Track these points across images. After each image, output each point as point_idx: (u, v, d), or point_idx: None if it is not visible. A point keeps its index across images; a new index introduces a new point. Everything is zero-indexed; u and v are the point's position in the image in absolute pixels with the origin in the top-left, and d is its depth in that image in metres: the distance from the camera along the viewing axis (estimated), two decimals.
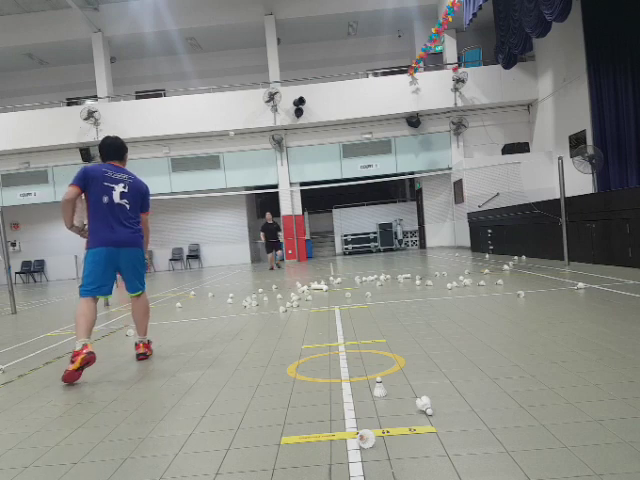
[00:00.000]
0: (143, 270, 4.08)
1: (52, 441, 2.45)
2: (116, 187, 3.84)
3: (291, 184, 17.91)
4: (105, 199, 3.79)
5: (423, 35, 17.37)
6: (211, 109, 17.16)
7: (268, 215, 14.52)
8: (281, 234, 14.81)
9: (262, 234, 14.32)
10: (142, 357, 4.02)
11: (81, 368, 3.42)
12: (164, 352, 4.27)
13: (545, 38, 12.58)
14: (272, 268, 14.26)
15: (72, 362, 3.40)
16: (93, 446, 2.34)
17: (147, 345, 4.13)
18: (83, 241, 3.96)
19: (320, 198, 20.82)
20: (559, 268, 8.13)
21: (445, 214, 18.26)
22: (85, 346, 3.47)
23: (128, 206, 3.89)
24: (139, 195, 4.01)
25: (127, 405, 2.92)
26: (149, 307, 4.21)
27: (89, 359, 3.43)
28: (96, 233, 3.80)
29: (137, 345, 4.08)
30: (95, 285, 3.76)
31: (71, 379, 3.42)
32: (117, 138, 4.10)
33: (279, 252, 14.79)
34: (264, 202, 21.11)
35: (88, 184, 3.78)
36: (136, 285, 4.05)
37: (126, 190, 3.89)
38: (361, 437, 2.07)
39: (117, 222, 3.82)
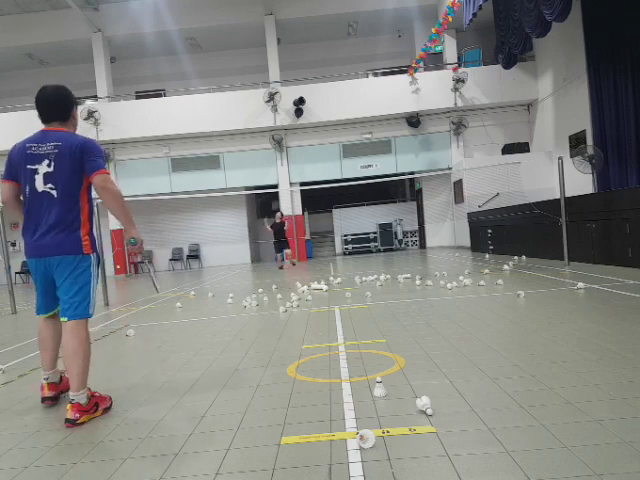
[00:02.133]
0: (78, 287, 2.79)
1: (52, 441, 2.45)
2: (39, 168, 2.74)
3: (291, 184, 17.90)
4: (27, 189, 2.77)
5: (423, 35, 17.36)
6: (211, 109, 17.16)
7: (278, 215, 14.44)
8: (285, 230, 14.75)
9: (268, 226, 14.25)
10: (69, 424, 2.63)
11: (51, 400, 3.00)
12: (164, 352, 4.27)
13: (545, 38, 12.58)
14: (281, 267, 14.15)
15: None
16: (93, 446, 2.34)
17: (80, 407, 2.67)
18: None
19: (320, 198, 20.81)
20: (559, 268, 8.13)
21: (445, 214, 18.26)
22: (43, 387, 2.99)
23: (55, 192, 2.74)
24: (73, 164, 2.75)
25: (127, 405, 2.92)
26: (80, 345, 2.75)
27: (49, 403, 2.98)
28: (24, 239, 2.84)
29: (68, 404, 2.71)
30: (39, 300, 2.94)
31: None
32: (57, 87, 2.89)
33: (288, 251, 14.65)
34: (264, 202, 21.11)
35: (16, 172, 2.82)
36: (64, 306, 2.78)
37: (51, 168, 2.73)
38: (361, 437, 2.07)
39: (40, 221, 2.76)
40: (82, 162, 2.77)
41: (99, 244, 12.90)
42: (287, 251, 14.56)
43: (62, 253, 2.76)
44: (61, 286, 2.80)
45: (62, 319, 2.80)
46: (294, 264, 14.64)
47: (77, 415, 2.65)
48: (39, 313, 2.97)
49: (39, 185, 2.75)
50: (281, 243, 14.27)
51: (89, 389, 2.78)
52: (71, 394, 2.70)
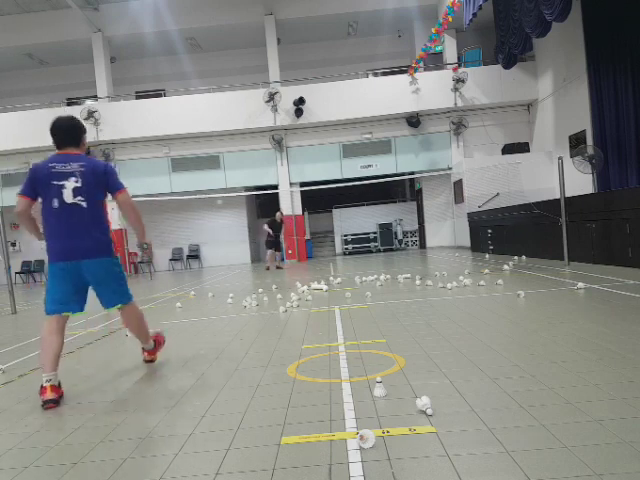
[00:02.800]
0: (118, 280, 3.39)
1: (52, 441, 2.45)
2: (67, 183, 3.15)
3: (291, 184, 17.90)
4: (55, 203, 3.14)
5: (423, 35, 17.36)
6: (211, 109, 17.16)
7: (278, 214, 14.32)
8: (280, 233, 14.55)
9: (266, 226, 14.05)
10: (148, 361, 3.90)
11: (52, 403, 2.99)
12: (164, 352, 4.27)
13: (545, 38, 12.58)
14: (268, 268, 13.94)
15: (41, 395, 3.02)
16: (93, 446, 2.34)
17: (151, 351, 3.86)
18: None
19: (320, 198, 20.81)
20: (559, 268, 8.13)
21: (445, 214, 18.26)
22: (44, 389, 3.00)
23: (85, 204, 3.18)
24: (97, 182, 3.24)
25: (127, 405, 2.92)
26: (140, 316, 3.62)
27: (51, 407, 2.95)
28: (52, 245, 3.19)
29: (142, 350, 3.90)
30: (57, 301, 3.18)
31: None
32: (70, 118, 3.38)
33: (278, 253, 14.52)
34: (264, 202, 21.11)
35: (37, 188, 3.20)
36: (110, 301, 3.38)
37: (79, 184, 3.16)
38: (361, 437, 2.07)
39: (72, 229, 3.16)
40: (105, 181, 3.30)
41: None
42: (278, 253, 14.36)
43: (98, 256, 3.24)
44: (102, 285, 3.31)
45: (115, 308, 3.43)
46: (280, 267, 14.19)
47: (151, 356, 3.86)
48: (56, 312, 3.19)
49: (68, 197, 3.16)
50: (274, 243, 14.10)
51: (149, 336, 3.78)
52: (143, 346, 3.80)
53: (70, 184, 3.16)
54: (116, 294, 3.39)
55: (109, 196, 3.39)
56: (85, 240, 3.18)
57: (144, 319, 3.69)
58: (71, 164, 3.22)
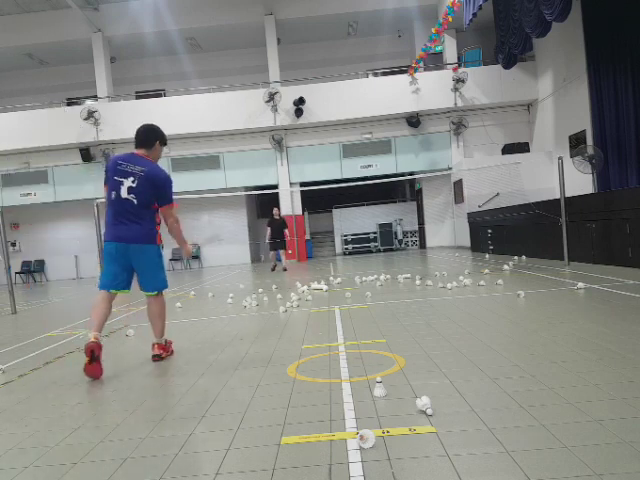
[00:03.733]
0: (156, 269, 3.85)
1: (52, 441, 2.45)
2: (125, 181, 3.65)
3: (291, 184, 17.90)
4: (113, 195, 3.68)
5: (423, 35, 17.36)
6: (211, 109, 17.15)
7: (275, 210, 13.71)
8: (287, 232, 13.73)
9: (269, 229, 13.41)
10: (156, 359, 3.88)
11: (93, 360, 3.41)
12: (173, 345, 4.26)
13: (545, 38, 12.58)
14: (274, 268, 13.46)
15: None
16: (93, 446, 2.34)
17: (162, 346, 3.95)
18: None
19: (320, 198, 20.80)
20: (559, 268, 8.13)
21: (445, 214, 18.26)
22: (93, 337, 3.52)
23: (135, 201, 3.67)
24: (152, 188, 3.70)
25: (127, 405, 2.92)
26: (163, 309, 3.98)
27: (92, 347, 3.41)
28: (107, 227, 3.76)
29: (152, 345, 3.96)
30: (107, 278, 3.73)
31: (91, 374, 3.45)
32: (150, 124, 3.92)
33: (281, 251, 13.72)
34: (263, 202, 21.10)
35: (107, 178, 3.75)
36: (148, 285, 3.85)
37: (134, 185, 3.65)
38: (361, 437, 2.07)
39: (124, 217, 3.68)
40: (158, 192, 3.73)
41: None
42: (281, 252, 13.62)
43: (142, 242, 3.71)
44: (143, 269, 3.78)
45: (149, 293, 3.87)
46: (285, 269, 13.48)
47: (160, 351, 3.90)
48: (107, 288, 3.73)
49: (123, 193, 3.66)
50: (277, 243, 13.44)
51: (165, 337, 3.99)
52: (155, 340, 3.92)
53: (127, 182, 3.64)
54: (153, 280, 3.83)
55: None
56: (133, 228, 3.68)
57: (165, 312, 4.01)
58: (135, 166, 3.68)
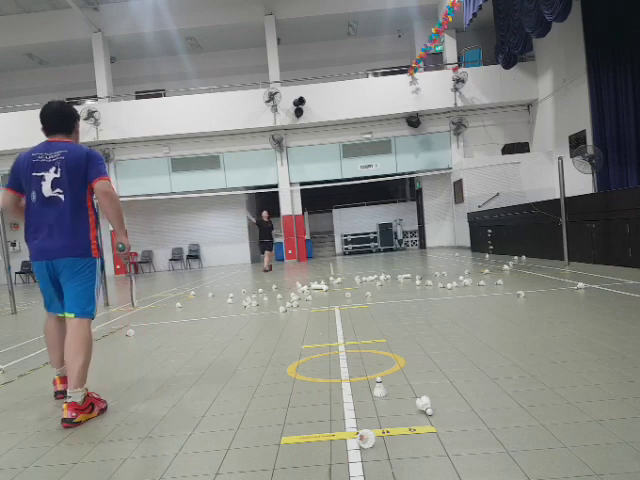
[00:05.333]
0: (82, 287, 2.88)
1: (52, 441, 2.45)
2: (46, 175, 2.85)
3: (291, 184, 17.91)
4: (33, 197, 2.87)
5: (423, 35, 17.37)
6: (211, 109, 17.16)
7: (264, 213, 13.82)
8: (275, 232, 13.96)
9: (254, 222, 13.82)
10: (66, 424, 2.64)
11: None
12: (164, 352, 4.27)
13: (545, 38, 12.58)
14: (265, 270, 13.27)
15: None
16: (93, 446, 2.34)
17: (76, 406, 2.67)
18: None
19: (320, 198, 20.82)
20: (559, 268, 8.13)
21: (445, 214, 18.26)
22: (54, 381, 3.05)
23: (63, 196, 2.84)
24: (78, 170, 2.87)
25: (127, 405, 2.92)
26: (83, 344, 2.80)
27: (59, 398, 2.97)
28: (30, 243, 2.91)
29: (64, 404, 2.72)
30: (47, 301, 3.03)
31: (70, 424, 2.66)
32: (60, 102, 3.07)
33: (268, 253, 13.67)
34: (262, 202, 21.11)
35: (20, 181, 2.94)
36: (70, 303, 2.86)
37: (58, 175, 2.84)
38: (361, 437, 2.07)
39: (48, 225, 2.84)
40: (86, 169, 2.89)
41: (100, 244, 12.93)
42: (268, 253, 13.61)
43: (72, 255, 2.85)
44: (67, 286, 2.88)
45: (68, 315, 2.85)
46: (266, 270, 13.27)
47: (73, 414, 2.66)
48: (49, 310, 3.06)
49: (46, 191, 2.85)
50: (265, 244, 13.62)
51: (86, 389, 2.78)
52: (69, 391, 2.71)
53: (50, 175, 2.86)
54: (74, 300, 2.86)
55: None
56: (62, 238, 2.84)
57: (89, 354, 2.84)
58: (53, 152, 2.90)
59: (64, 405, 2.69)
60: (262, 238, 13.70)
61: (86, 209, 2.92)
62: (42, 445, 2.41)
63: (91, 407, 2.77)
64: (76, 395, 2.69)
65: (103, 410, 2.84)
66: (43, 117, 3.01)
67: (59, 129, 3.00)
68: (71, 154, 2.89)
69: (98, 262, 2.98)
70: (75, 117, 3.10)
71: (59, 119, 3.02)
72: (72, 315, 2.85)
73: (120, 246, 3.03)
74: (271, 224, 13.90)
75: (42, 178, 2.87)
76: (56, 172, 2.86)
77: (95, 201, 3.02)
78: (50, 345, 3.08)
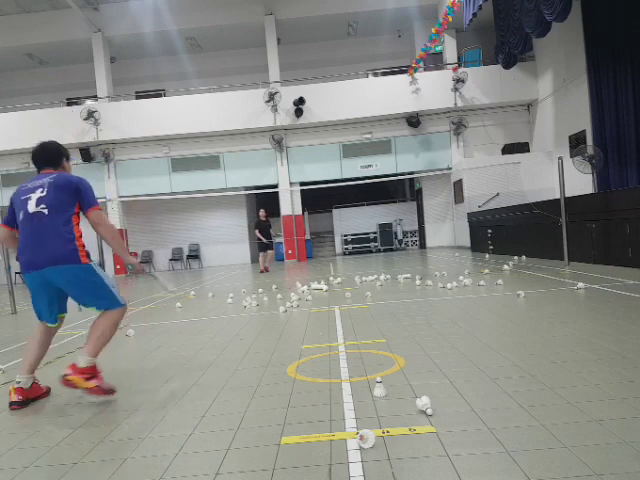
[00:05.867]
0: (94, 289, 3.07)
1: (52, 441, 2.45)
2: (33, 195, 3.06)
3: (291, 184, 17.91)
4: (21, 215, 3.07)
5: (423, 35, 17.36)
6: (211, 109, 17.16)
7: (262, 212, 13.56)
8: (272, 232, 13.70)
9: (257, 231, 13.30)
10: (66, 381, 2.94)
11: (22, 403, 3.00)
12: (164, 352, 4.27)
13: (545, 38, 12.58)
14: (262, 271, 13.10)
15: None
16: (93, 446, 2.34)
17: (80, 369, 2.96)
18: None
19: (320, 198, 20.82)
20: (559, 268, 8.13)
21: (445, 214, 18.26)
22: (10, 392, 3.07)
23: (46, 211, 3.01)
24: (65, 191, 3.06)
25: (127, 405, 2.92)
26: (111, 328, 3.12)
27: (13, 408, 2.99)
28: (20, 257, 3.09)
29: (70, 366, 3.01)
30: (38, 311, 3.17)
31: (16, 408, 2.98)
32: (48, 143, 3.33)
33: (270, 252, 13.54)
34: (261, 202, 21.11)
35: (14, 216, 3.17)
36: (91, 303, 3.12)
37: (44, 193, 3.04)
38: (361, 437, 2.07)
39: (35, 238, 3.01)
40: (77, 195, 3.10)
41: (99, 244, 12.88)
42: (262, 254, 13.37)
43: (59, 264, 2.98)
44: (72, 292, 3.10)
45: (93, 309, 3.12)
46: (263, 270, 13.16)
47: (70, 371, 2.93)
48: (43, 320, 3.18)
49: (31, 207, 3.04)
50: (266, 245, 13.33)
51: (94, 363, 3.02)
52: (79, 356, 3.01)
53: (35, 195, 3.07)
54: (95, 300, 3.10)
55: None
56: (47, 248, 2.99)
57: (110, 336, 3.15)
58: (43, 179, 3.13)
59: (73, 364, 2.98)
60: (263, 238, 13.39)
61: (71, 222, 3.08)
62: (42, 445, 2.41)
63: (89, 376, 2.96)
64: (82, 360, 2.98)
65: (103, 390, 3.00)
66: (33, 157, 3.28)
67: (48, 165, 3.25)
68: (61, 177, 3.14)
69: (93, 265, 3.11)
70: (63, 155, 3.33)
71: (47, 157, 3.27)
72: (96, 310, 3.13)
73: (130, 267, 3.28)
74: (269, 223, 13.65)
75: (29, 199, 3.07)
76: (42, 192, 3.06)
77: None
78: (30, 348, 3.15)
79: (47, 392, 3.27)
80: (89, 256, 3.11)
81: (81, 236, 3.12)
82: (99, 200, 3.29)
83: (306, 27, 18.19)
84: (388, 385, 2.80)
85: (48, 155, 3.28)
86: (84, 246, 3.10)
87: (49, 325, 3.18)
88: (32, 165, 3.32)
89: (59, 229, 3.01)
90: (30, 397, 3.11)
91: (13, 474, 2.11)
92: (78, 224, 3.14)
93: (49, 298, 3.11)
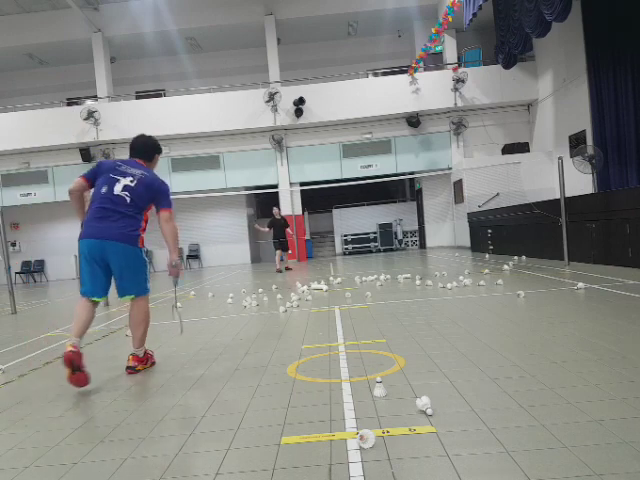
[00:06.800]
0: (136, 271, 3.52)
1: (52, 441, 2.45)
2: (122, 179, 3.49)
3: (291, 184, 17.91)
4: (104, 189, 3.47)
5: (423, 35, 17.36)
6: (211, 109, 17.16)
7: (275, 210, 13.35)
8: (289, 230, 13.39)
9: (271, 230, 13.05)
10: (130, 371, 3.60)
11: (75, 370, 3.15)
12: (164, 352, 4.27)
13: (545, 38, 12.57)
14: (279, 270, 12.77)
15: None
16: (93, 446, 2.34)
17: (138, 358, 3.64)
18: None
19: (320, 198, 20.82)
20: (559, 268, 8.13)
21: (445, 214, 18.26)
22: (70, 346, 3.24)
23: (128, 199, 3.46)
24: (149, 191, 3.53)
25: (127, 405, 2.92)
26: (145, 316, 3.65)
27: (70, 357, 3.13)
28: (86, 224, 3.47)
29: (128, 357, 3.67)
30: (86, 283, 3.45)
31: (76, 383, 3.19)
32: (148, 137, 3.83)
33: (279, 252, 13.25)
34: (263, 202, 21.12)
35: (97, 176, 3.57)
36: (125, 287, 3.52)
37: (133, 184, 3.49)
38: (361, 437, 2.07)
39: (108, 213, 3.41)
40: (155, 196, 3.57)
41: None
42: (278, 252, 13.12)
43: (121, 240, 3.40)
44: (123, 272, 3.47)
45: (125, 298, 3.56)
46: (289, 268, 13.28)
47: (135, 363, 3.63)
48: (89, 296, 3.45)
49: (117, 189, 3.47)
50: (281, 243, 13.07)
51: (145, 347, 3.71)
52: (133, 350, 3.65)
53: (125, 181, 3.49)
54: (131, 283, 3.51)
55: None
56: (114, 226, 3.39)
57: (148, 322, 3.70)
58: (136, 169, 3.57)
59: (130, 357, 3.63)
60: (276, 237, 13.07)
61: (141, 214, 3.55)
62: (42, 445, 2.41)
63: (146, 360, 3.71)
64: (139, 352, 3.65)
65: (153, 363, 3.79)
66: (132, 145, 3.77)
67: (141, 156, 3.73)
68: (149, 177, 3.59)
69: (143, 251, 3.58)
70: (157, 151, 3.84)
71: (144, 149, 3.76)
72: (132, 296, 3.56)
73: (174, 263, 3.60)
74: (284, 220, 13.35)
75: (117, 180, 3.49)
76: (132, 182, 3.50)
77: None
78: (78, 321, 3.39)
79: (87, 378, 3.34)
80: (143, 242, 3.58)
81: (145, 228, 3.61)
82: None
83: (306, 27, 18.19)
84: (388, 385, 2.80)
85: (145, 149, 3.76)
86: (144, 234, 3.58)
87: (90, 299, 3.44)
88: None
89: (133, 216, 3.47)
90: (78, 359, 3.22)
91: (13, 474, 2.11)
92: (147, 218, 3.62)
93: (99, 272, 3.43)
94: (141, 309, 3.61)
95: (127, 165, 3.60)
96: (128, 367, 3.61)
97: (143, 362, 3.67)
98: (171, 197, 3.68)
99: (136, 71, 19.84)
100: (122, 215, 3.43)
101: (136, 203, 3.49)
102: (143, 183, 3.52)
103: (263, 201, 21.22)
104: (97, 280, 3.44)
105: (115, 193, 3.45)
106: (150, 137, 3.84)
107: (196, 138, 17.84)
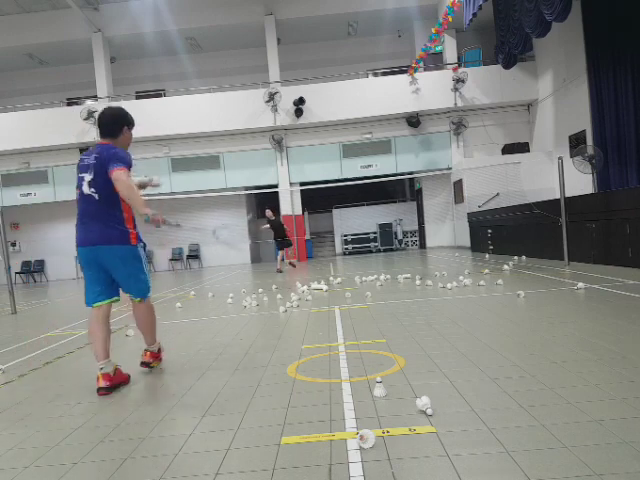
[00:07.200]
0: (133, 272, 3.35)
1: (52, 441, 2.45)
2: (86, 176, 3.23)
3: (291, 184, 17.91)
4: (77, 193, 3.32)
5: (423, 35, 17.36)
6: (211, 109, 17.15)
7: (268, 212, 13.16)
8: (286, 230, 13.35)
9: (268, 225, 13.09)
10: (144, 366, 3.67)
11: (109, 389, 3.18)
12: (164, 352, 4.26)
13: (545, 38, 12.57)
14: (279, 270, 12.77)
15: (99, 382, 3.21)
16: (93, 446, 2.34)
17: (154, 354, 3.68)
18: None
19: (320, 198, 20.81)
20: (559, 268, 8.13)
21: (445, 214, 18.26)
22: (97, 377, 3.18)
23: (97, 196, 3.21)
24: (105, 171, 3.17)
25: (127, 405, 2.92)
26: (150, 316, 3.60)
27: (101, 394, 3.13)
28: (76, 230, 3.37)
29: (144, 352, 3.70)
30: (89, 290, 3.35)
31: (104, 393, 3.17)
32: (109, 108, 3.44)
33: (287, 251, 13.29)
34: (263, 202, 21.10)
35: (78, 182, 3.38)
36: (125, 288, 3.43)
37: (92, 176, 3.21)
38: (361, 437, 2.07)
39: (88, 217, 3.27)
40: (111, 159, 3.15)
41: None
42: (288, 251, 13.23)
43: (111, 243, 3.24)
44: (119, 274, 3.33)
45: (134, 299, 3.47)
46: (294, 265, 13.28)
47: (151, 360, 3.65)
48: (91, 303, 3.33)
49: (86, 189, 3.25)
50: (283, 242, 13.09)
51: (158, 343, 3.74)
52: (146, 347, 3.67)
53: (88, 177, 3.23)
54: (130, 284, 3.39)
55: None
56: (98, 227, 3.24)
57: (155, 320, 3.68)
58: (91, 156, 3.25)
59: (146, 352, 3.65)
60: (276, 237, 13.10)
61: (119, 204, 3.26)
62: (42, 445, 2.41)
63: (160, 356, 3.76)
64: (153, 347, 3.68)
65: (161, 359, 3.79)
66: (99, 122, 3.41)
67: (105, 134, 3.37)
68: (101, 156, 3.20)
69: (139, 248, 3.39)
70: (123, 122, 3.38)
71: (105, 125, 3.37)
72: (137, 300, 3.47)
73: (146, 218, 3.08)
74: (280, 221, 13.38)
75: (83, 179, 3.26)
76: (90, 174, 3.21)
77: None
78: (93, 338, 3.31)
79: (128, 379, 3.41)
80: (139, 237, 3.39)
81: (131, 217, 3.34)
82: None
83: (306, 27, 18.18)
84: (388, 385, 2.80)
85: (108, 123, 3.36)
86: (134, 227, 3.35)
87: (94, 306, 3.32)
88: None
89: (108, 212, 3.23)
90: (116, 383, 3.25)
91: (13, 474, 2.11)
92: (126, 208, 3.29)
93: (101, 274, 3.31)
94: (145, 311, 3.55)
95: (87, 155, 3.30)
96: (143, 362, 3.63)
97: (158, 358, 3.73)
98: (126, 157, 3.23)
99: (136, 71, 19.83)
100: (99, 214, 3.23)
101: (105, 196, 3.22)
102: (97, 167, 3.19)
103: (263, 201, 21.20)
104: (100, 283, 3.32)
105: (85, 193, 3.25)
106: (114, 107, 3.46)
107: (196, 138, 17.83)
